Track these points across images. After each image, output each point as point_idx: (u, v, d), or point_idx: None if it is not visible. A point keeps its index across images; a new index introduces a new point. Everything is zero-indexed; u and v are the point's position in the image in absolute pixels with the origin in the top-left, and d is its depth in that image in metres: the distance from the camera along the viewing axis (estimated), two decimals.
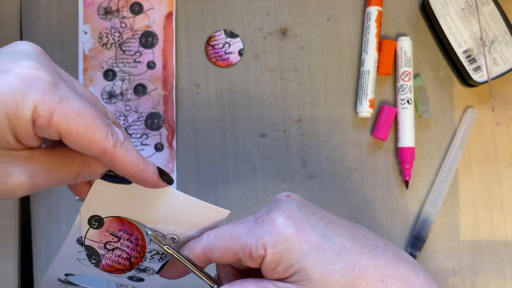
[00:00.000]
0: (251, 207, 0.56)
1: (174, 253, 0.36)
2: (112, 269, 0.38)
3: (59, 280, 0.40)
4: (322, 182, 0.56)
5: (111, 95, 0.56)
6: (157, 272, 0.39)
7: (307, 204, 0.35)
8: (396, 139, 0.56)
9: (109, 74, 0.56)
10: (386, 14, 0.58)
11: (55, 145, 0.30)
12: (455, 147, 0.56)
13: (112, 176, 0.33)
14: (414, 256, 0.55)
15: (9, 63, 0.28)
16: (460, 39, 0.55)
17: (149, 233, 0.36)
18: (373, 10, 0.56)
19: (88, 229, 0.35)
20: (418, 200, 0.56)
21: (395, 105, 0.57)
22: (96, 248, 0.37)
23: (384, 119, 0.56)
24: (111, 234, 0.36)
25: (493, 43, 0.55)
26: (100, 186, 0.33)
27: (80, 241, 0.36)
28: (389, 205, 0.56)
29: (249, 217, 0.35)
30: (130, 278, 0.40)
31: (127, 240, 0.37)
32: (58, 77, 0.29)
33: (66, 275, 0.39)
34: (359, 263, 0.33)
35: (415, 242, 0.55)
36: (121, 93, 0.56)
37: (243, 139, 0.57)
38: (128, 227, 0.36)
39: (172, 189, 0.35)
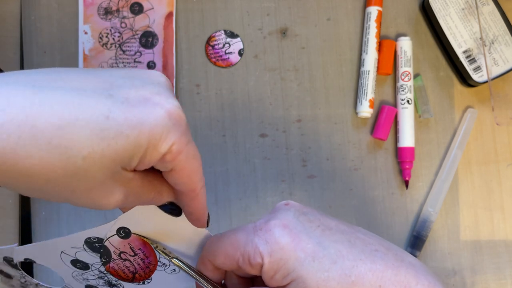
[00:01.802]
0: (251, 207, 0.56)
1: (181, 265, 0.37)
2: (115, 273, 0.39)
3: (5, 259, 0.40)
4: (322, 182, 0.56)
5: None
6: None
7: (305, 212, 0.36)
8: (396, 139, 0.56)
9: None
10: (386, 14, 0.58)
11: (144, 171, 0.32)
12: (455, 147, 0.56)
13: (166, 206, 0.35)
14: (414, 256, 0.55)
15: (158, 95, 0.29)
16: (460, 39, 0.55)
17: (157, 247, 0.37)
18: (373, 10, 0.56)
19: (114, 235, 0.37)
20: (418, 200, 0.56)
21: (395, 105, 0.57)
22: (111, 251, 0.38)
23: (384, 119, 0.56)
24: (130, 248, 0.37)
25: (493, 43, 0.55)
26: (145, 207, 0.35)
27: (89, 241, 0.37)
28: (389, 205, 0.56)
29: (249, 224, 0.36)
30: (88, 287, 0.41)
31: (141, 260, 0.38)
32: (186, 120, 0.32)
33: (26, 259, 0.39)
34: (355, 269, 0.33)
35: (415, 242, 0.55)
36: None
37: (243, 139, 0.56)
38: (148, 251, 0.38)
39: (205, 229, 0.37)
